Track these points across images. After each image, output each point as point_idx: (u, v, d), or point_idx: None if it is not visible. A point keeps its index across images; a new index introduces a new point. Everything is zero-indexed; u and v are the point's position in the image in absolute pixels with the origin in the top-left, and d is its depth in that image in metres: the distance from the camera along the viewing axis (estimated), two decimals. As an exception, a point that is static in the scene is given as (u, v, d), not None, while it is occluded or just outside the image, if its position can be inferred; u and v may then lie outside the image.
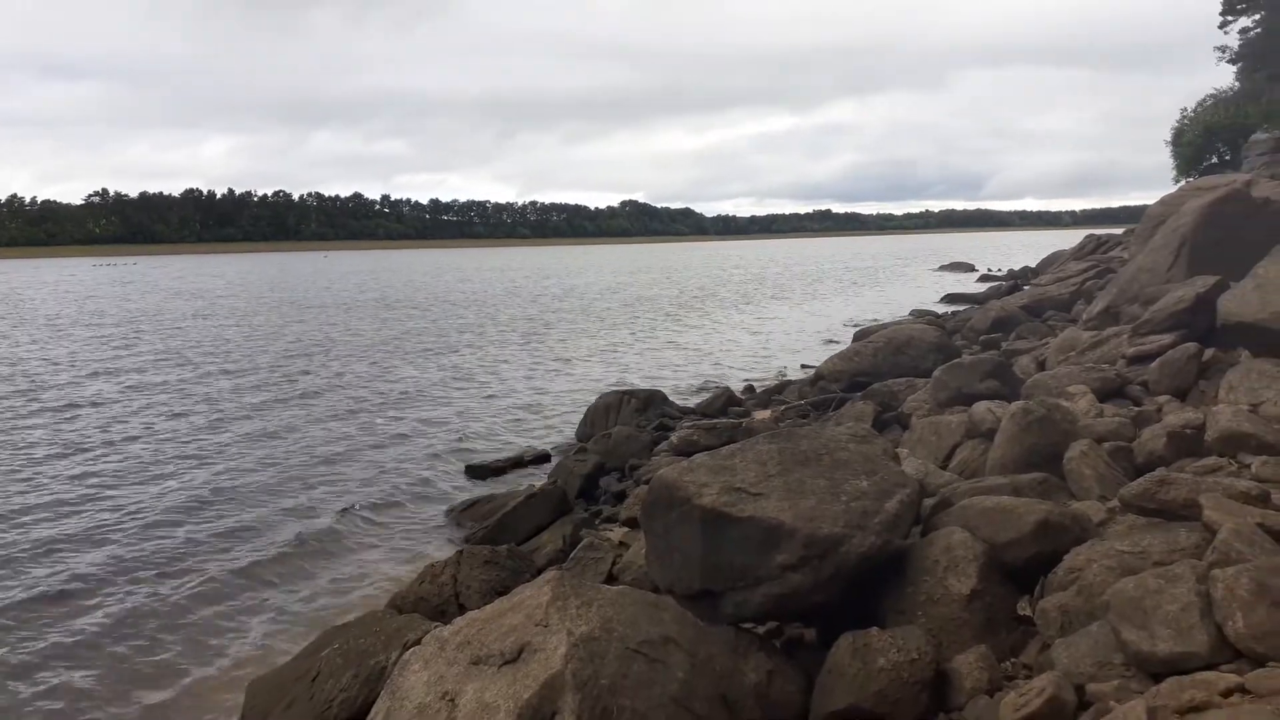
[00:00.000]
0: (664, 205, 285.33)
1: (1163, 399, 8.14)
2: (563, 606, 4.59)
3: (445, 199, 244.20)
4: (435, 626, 5.62)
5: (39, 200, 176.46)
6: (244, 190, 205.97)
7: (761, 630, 5.75)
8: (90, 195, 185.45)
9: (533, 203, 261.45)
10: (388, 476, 13.07)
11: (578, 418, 15.91)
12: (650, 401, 15.39)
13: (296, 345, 29.12)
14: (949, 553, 5.34)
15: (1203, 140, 36.14)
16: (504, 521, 9.98)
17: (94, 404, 18.74)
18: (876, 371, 14.49)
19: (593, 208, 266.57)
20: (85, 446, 14.90)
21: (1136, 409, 8.01)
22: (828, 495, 5.38)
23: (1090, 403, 8.27)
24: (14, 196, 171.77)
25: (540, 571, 7.67)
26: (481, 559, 7.95)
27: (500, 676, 4.28)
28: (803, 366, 21.46)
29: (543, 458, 13.94)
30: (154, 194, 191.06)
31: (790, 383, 17.84)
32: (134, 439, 15.47)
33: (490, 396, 19.43)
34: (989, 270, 59.21)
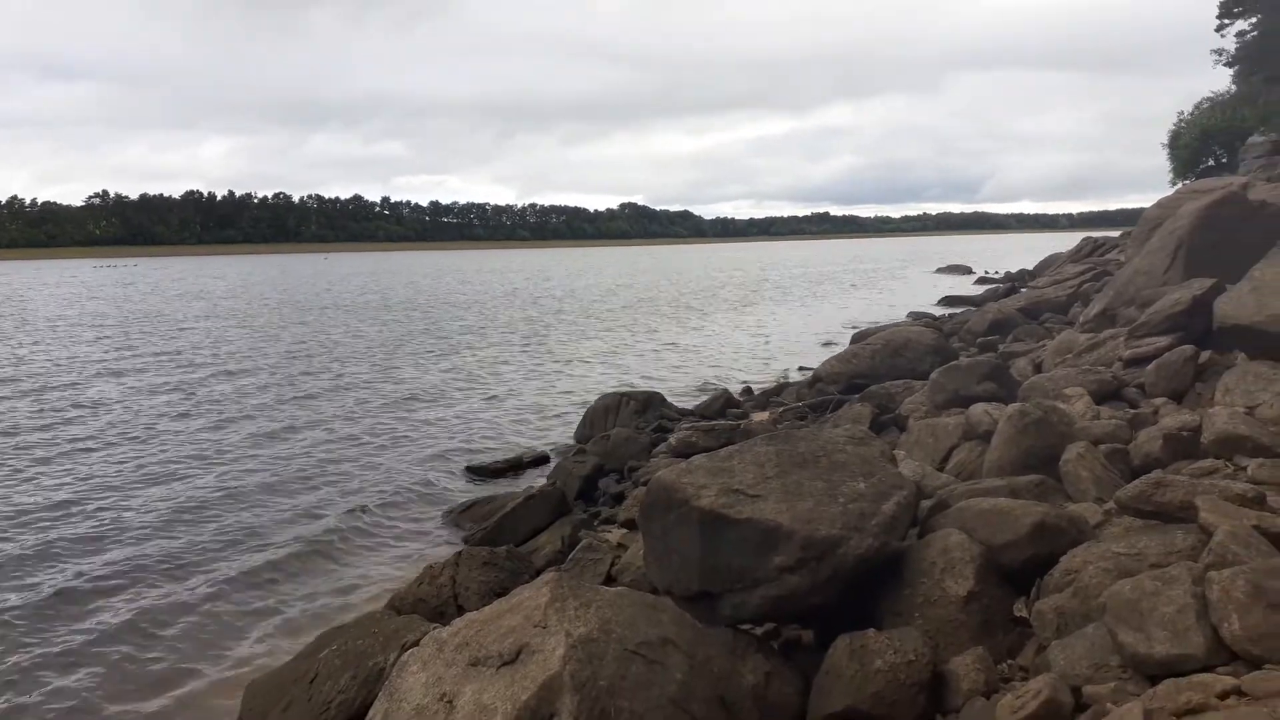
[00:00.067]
0: (663, 207, 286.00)
1: (1159, 401, 8.16)
2: (561, 608, 4.60)
3: (445, 201, 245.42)
4: (434, 628, 5.62)
5: (39, 202, 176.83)
6: (244, 192, 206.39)
7: (759, 632, 5.76)
8: (90, 197, 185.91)
9: (532, 205, 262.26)
10: (387, 477, 13.06)
11: (577, 419, 15.91)
12: (649, 403, 15.40)
13: (299, 347, 29.11)
14: (946, 555, 5.35)
15: (1199, 143, 36.14)
16: (503, 523, 9.99)
17: (94, 405, 18.73)
18: (874, 373, 14.50)
19: (592, 210, 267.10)
20: (84, 449, 14.88)
21: (1133, 411, 8.03)
22: (825, 497, 5.39)
23: (1087, 405, 8.29)
24: (14, 198, 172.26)
25: (539, 573, 7.67)
26: (480, 560, 7.96)
27: (498, 678, 4.29)
28: (801, 368, 21.46)
29: (541, 459, 13.94)
30: (154, 195, 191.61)
31: (788, 384, 17.86)
32: (136, 440, 15.47)
33: (490, 398, 19.43)
34: (986, 273, 59.17)
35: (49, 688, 7.16)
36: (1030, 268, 45.71)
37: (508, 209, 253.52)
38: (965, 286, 48.26)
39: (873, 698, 4.52)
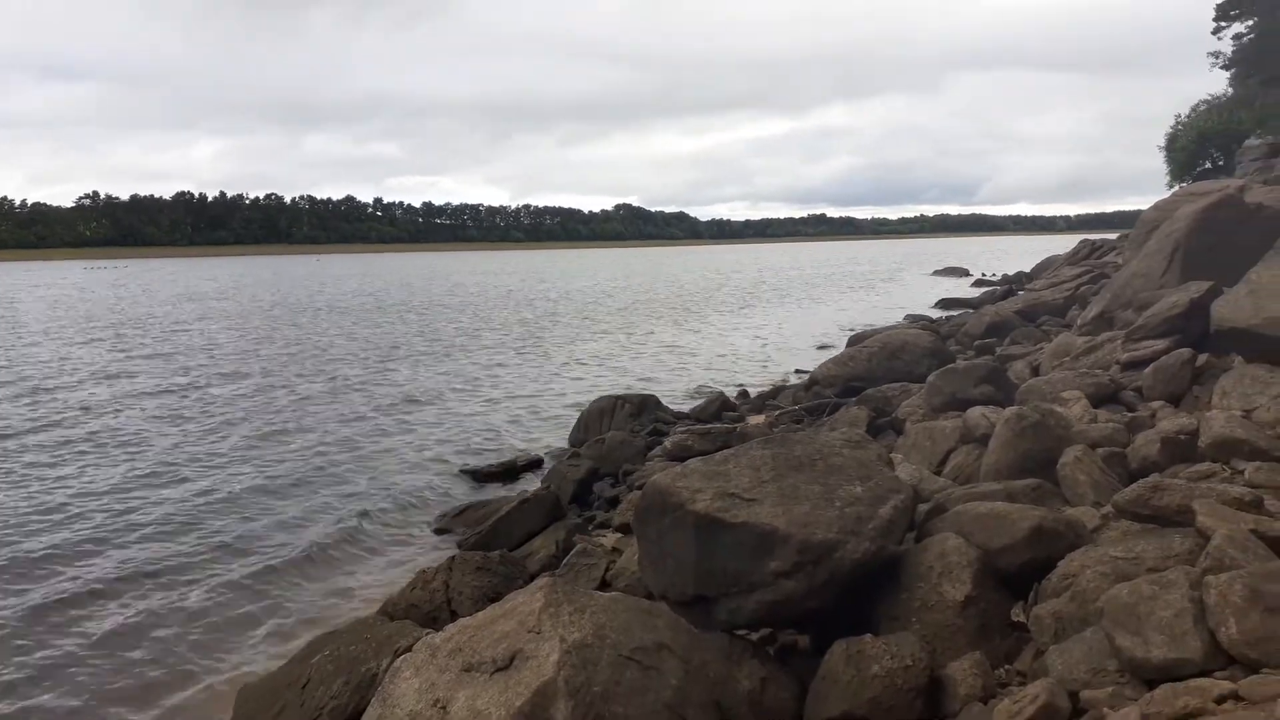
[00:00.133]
0: (658, 209, 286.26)
1: (1156, 404, 8.16)
2: (555, 613, 4.56)
3: (438, 202, 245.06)
4: (427, 633, 5.58)
5: (29, 203, 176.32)
6: (236, 193, 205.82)
7: (755, 637, 5.74)
8: (81, 198, 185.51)
9: (526, 206, 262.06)
10: (380, 481, 13.01)
11: (571, 422, 15.86)
12: (644, 406, 15.36)
13: (292, 350, 29.02)
14: (943, 559, 5.32)
15: (1196, 146, 36.24)
16: (496, 527, 9.95)
17: (85, 409, 18.62)
18: (871, 376, 14.48)
19: (587, 211, 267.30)
20: (75, 453, 14.80)
21: (1130, 414, 8.02)
22: (822, 501, 5.36)
23: (1084, 408, 8.28)
24: (4, 199, 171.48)
25: (533, 578, 7.64)
26: (474, 565, 7.92)
27: (492, 684, 4.25)
28: (797, 371, 21.45)
29: (536, 463, 13.89)
30: (145, 196, 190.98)
31: (785, 387, 17.84)
32: (127, 444, 15.39)
33: (484, 401, 19.38)
34: (983, 275, 59.31)
35: (41, 693, 7.11)
36: (1027, 270, 45.79)
37: (502, 210, 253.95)
38: (962, 289, 48.37)
39: (869, 703, 4.50)
